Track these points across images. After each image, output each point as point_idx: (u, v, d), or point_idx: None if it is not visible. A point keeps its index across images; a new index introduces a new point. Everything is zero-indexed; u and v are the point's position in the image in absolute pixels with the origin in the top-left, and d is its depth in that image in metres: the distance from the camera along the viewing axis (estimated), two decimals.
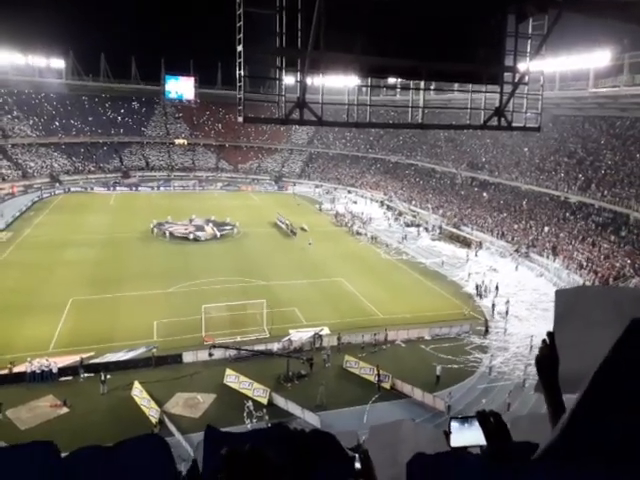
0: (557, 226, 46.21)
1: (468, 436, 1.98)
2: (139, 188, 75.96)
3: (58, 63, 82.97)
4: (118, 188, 74.76)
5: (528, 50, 9.95)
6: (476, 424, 1.92)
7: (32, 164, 76.11)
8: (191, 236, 48.58)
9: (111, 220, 54.88)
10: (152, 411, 21.01)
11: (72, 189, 72.30)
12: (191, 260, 42.07)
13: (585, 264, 38.70)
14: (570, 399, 1.82)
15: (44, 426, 20.06)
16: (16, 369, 23.53)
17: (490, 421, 1.84)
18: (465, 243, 49.70)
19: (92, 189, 73.16)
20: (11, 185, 68.09)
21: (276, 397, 22.44)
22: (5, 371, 23.41)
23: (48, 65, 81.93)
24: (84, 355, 24.93)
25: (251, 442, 1.55)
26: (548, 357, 1.88)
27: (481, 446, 1.90)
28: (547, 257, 42.52)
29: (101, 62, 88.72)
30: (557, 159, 54.43)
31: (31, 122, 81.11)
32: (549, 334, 1.93)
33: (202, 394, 22.80)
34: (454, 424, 2.05)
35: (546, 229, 46.48)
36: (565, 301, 2.18)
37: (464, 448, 1.98)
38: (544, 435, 1.58)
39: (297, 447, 1.84)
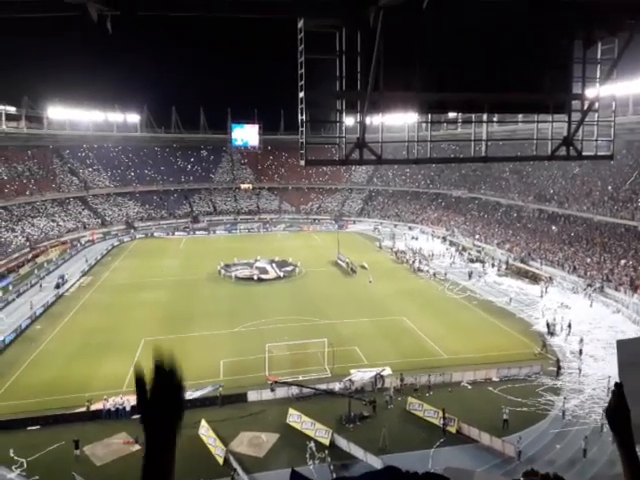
0: (635, 259, 43.25)
1: None
2: (216, 232, 78.99)
3: (133, 118, 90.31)
4: (197, 232, 78.27)
5: (597, 76, 9.51)
6: None
7: (110, 212, 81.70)
8: (255, 277, 49.74)
9: (181, 263, 57.32)
10: (218, 450, 21.20)
11: (155, 234, 76.78)
12: (256, 300, 42.90)
13: None
14: None
15: (118, 462, 20.73)
16: (93, 407, 24.65)
17: None
18: (534, 279, 47.49)
19: (173, 234, 77.04)
20: (91, 232, 73.19)
21: (338, 438, 22.01)
22: (83, 408, 24.59)
23: (125, 120, 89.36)
24: None
25: None
26: (618, 408, 1.85)
27: None
28: (625, 292, 39.70)
29: (172, 114, 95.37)
30: (633, 187, 51.53)
31: (109, 174, 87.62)
32: (617, 385, 1.90)
33: (266, 433, 22.79)
34: None
35: (622, 262, 43.61)
36: (627, 351, 2.25)
37: None
38: None
39: None
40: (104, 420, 23.94)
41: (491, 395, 26.16)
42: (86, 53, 76.56)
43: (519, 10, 8.09)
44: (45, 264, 55.90)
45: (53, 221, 71.19)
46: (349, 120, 9.21)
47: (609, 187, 54.29)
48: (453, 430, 22.77)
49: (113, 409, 24.30)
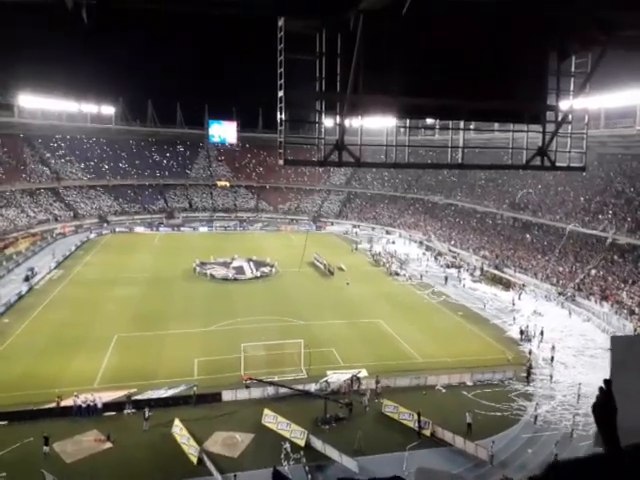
0: (605, 269, 44.40)
1: None
2: (199, 229, 78.75)
3: (108, 110, 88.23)
4: (182, 228, 78.19)
5: (571, 88, 9.73)
6: None
7: (82, 205, 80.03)
8: (231, 276, 49.35)
9: (156, 259, 56.54)
10: (192, 449, 20.97)
11: (136, 229, 75.84)
12: (231, 299, 42.60)
13: (637, 310, 36.75)
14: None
15: (88, 460, 20.35)
16: (63, 403, 24.09)
17: None
18: (508, 285, 48.32)
19: (158, 229, 76.94)
20: (63, 225, 71.58)
21: (313, 440, 21.97)
22: (53, 404, 24.03)
23: (99, 112, 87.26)
24: (128, 391, 25.38)
25: None
26: (605, 405, 1.83)
27: None
28: (595, 301, 40.69)
29: (148, 108, 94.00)
30: (604, 199, 52.88)
31: (82, 165, 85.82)
32: (606, 381, 1.88)
33: (240, 433, 22.63)
34: None
35: (593, 272, 44.72)
36: (622, 349, 2.15)
37: None
38: None
39: None
40: (74, 417, 23.42)
41: (465, 399, 26.45)
42: (61, 42, 74.50)
43: (498, 19, 8.24)
44: (14, 256, 54.49)
45: (23, 212, 69.35)
46: (328, 121, 9.22)
47: (581, 198, 55.60)
48: (428, 433, 22.94)
49: (84, 406, 23.78)
